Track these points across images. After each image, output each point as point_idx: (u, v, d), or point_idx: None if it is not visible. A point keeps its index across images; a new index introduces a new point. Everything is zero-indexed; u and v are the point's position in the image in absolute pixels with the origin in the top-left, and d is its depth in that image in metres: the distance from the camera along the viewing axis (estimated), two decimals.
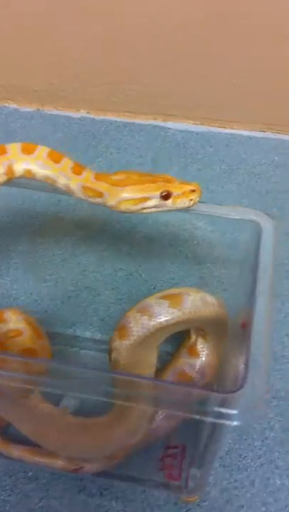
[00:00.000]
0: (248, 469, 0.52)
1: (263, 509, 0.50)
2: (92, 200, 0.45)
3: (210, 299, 0.45)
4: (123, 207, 0.44)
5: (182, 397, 0.36)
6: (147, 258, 0.68)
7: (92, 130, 0.90)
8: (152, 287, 0.65)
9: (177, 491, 0.50)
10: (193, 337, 0.51)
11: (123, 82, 0.89)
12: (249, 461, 0.53)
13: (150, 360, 0.46)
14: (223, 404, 0.33)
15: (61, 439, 0.48)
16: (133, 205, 0.44)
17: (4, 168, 0.46)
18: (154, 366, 0.46)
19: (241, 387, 0.33)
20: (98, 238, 0.67)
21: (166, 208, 0.44)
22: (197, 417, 0.34)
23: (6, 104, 0.94)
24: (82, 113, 0.93)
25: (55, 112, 0.94)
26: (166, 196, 0.44)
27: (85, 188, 0.45)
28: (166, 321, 0.43)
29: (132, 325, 0.43)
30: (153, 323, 0.43)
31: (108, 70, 0.88)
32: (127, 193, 0.44)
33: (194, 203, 0.44)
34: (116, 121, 0.91)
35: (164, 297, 0.44)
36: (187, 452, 0.51)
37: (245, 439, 0.54)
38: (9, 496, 0.50)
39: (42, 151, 0.46)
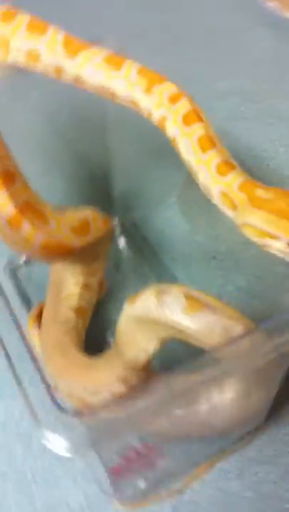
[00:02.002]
0: None
1: None
2: (224, 208, 0.40)
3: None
4: (246, 231, 0.38)
5: None
6: None
7: None
8: None
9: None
10: None
11: None
12: None
13: (145, 345, 0.44)
14: None
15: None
16: (255, 235, 0.37)
17: None
18: (148, 355, 0.44)
19: None
20: None
21: None
22: None
23: None
24: None
25: None
26: None
27: (224, 195, 0.40)
28: (171, 320, 0.40)
29: (142, 298, 0.41)
30: (156, 312, 0.40)
31: None
32: (255, 219, 0.37)
33: None
34: None
35: (189, 298, 0.40)
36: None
37: None
38: None
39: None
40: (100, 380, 0.46)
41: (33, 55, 0.45)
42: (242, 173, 0.40)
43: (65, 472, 0.51)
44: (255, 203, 0.37)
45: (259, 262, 0.58)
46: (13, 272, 0.65)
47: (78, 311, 0.54)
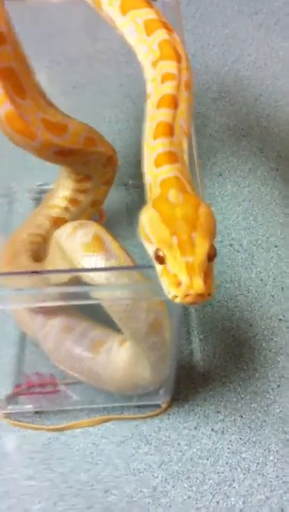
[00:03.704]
0: None
1: None
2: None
3: None
4: (139, 228, 0.36)
5: None
6: None
7: None
8: None
9: None
10: None
11: None
12: None
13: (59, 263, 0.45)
14: None
15: None
16: (140, 234, 0.36)
17: None
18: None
19: None
20: None
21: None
22: None
23: None
24: None
25: None
26: (159, 259, 0.33)
27: (150, 187, 0.39)
28: (69, 252, 0.41)
29: (66, 225, 0.43)
30: (63, 240, 0.42)
31: None
32: (143, 217, 0.36)
33: (176, 299, 0.32)
34: None
35: (96, 239, 0.40)
36: None
37: None
38: None
39: None
40: None
41: (97, 1, 0.47)
42: (178, 169, 0.37)
43: None
44: (158, 202, 0.35)
45: None
46: None
47: (56, 221, 0.55)
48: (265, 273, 0.61)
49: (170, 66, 0.43)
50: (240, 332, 0.57)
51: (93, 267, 0.40)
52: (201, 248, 0.33)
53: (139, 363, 0.44)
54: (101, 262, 0.40)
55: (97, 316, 0.49)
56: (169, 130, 0.40)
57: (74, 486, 0.47)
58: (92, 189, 0.55)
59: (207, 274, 0.33)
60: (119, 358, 0.46)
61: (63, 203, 0.55)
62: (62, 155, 0.47)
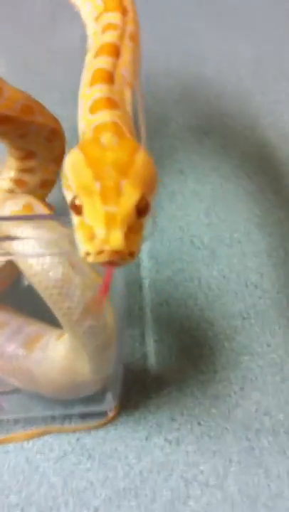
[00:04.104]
0: None
1: None
2: None
3: None
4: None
5: None
6: None
7: None
8: None
9: None
10: None
11: None
12: None
13: None
14: None
15: None
16: (63, 181, 0.30)
17: None
18: None
19: None
20: None
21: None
22: None
23: None
24: None
25: None
26: (75, 208, 0.27)
27: (82, 135, 0.33)
28: None
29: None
30: None
31: None
32: (67, 160, 0.30)
33: (89, 257, 0.26)
34: None
35: (26, 208, 0.37)
36: None
37: None
38: None
39: None
40: None
41: None
42: (118, 115, 0.32)
43: None
44: (86, 144, 0.30)
45: None
46: None
47: None
48: (227, 270, 0.56)
49: (113, 17, 0.39)
50: (199, 332, 0.51)
51: (22, 236, 0.35)
52: (129, 198, 0.27)
53: (78, 357, 0.38)
54: (29, 231, 0.35)
55: (35, 312, 0.43)
56: (109, 77, 0.35)
57: (1, 511, 0.40)
58: (39, 168, 0.49)
59: (133, 230, 0.27)
60: (55, 353, 0.39)
61: (8, 185, 0.50)
62: None
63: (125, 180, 0.27)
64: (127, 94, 0.35)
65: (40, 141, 0.48)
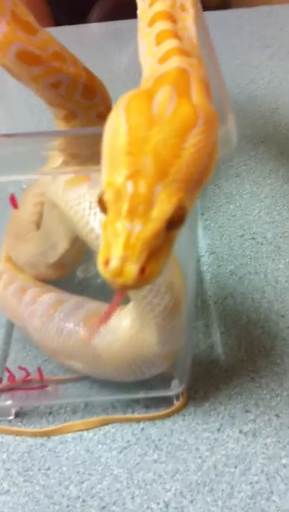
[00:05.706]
0: None
1: None
2: None
3: None
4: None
5: None
6: None
7: None
8: None
9: None
10: None
11: None
12: None
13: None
14: None
15: None
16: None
17: None
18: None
19: None
20: None
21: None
22: None
23: None
24: None
25: None
26: (101, 205, 0.24)
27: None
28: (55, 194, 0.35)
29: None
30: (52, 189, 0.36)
31: None
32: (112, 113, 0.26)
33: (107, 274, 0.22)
34: None
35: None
36: None
37: None
38: None
39: None
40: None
41: None
42: (190, 63, 0.27)
43: None
44: (134, 104, 0.25)
45: None
46: None
47: None
48: None
49: None
50: (270, 323, 0.47)
51: (78, 199, 0.33)
52: (161, 212, 0.23)
53: (145, 327, 0.35)
54: (85, 191, 0.33)
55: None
56: (175, 35, 0.31)
57: (60, 502, 0.36)
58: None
59: (156, 249, 0.23)
60: (120, 324, 0.36)
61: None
62: (24, 59, 0.41)
63: (162, 184, 0.23)
64: (196, 49, 0.33)
65: (77, 98, 0.45)
